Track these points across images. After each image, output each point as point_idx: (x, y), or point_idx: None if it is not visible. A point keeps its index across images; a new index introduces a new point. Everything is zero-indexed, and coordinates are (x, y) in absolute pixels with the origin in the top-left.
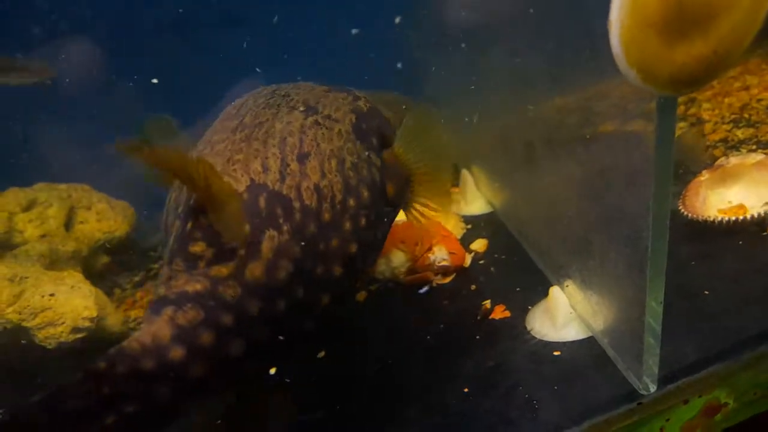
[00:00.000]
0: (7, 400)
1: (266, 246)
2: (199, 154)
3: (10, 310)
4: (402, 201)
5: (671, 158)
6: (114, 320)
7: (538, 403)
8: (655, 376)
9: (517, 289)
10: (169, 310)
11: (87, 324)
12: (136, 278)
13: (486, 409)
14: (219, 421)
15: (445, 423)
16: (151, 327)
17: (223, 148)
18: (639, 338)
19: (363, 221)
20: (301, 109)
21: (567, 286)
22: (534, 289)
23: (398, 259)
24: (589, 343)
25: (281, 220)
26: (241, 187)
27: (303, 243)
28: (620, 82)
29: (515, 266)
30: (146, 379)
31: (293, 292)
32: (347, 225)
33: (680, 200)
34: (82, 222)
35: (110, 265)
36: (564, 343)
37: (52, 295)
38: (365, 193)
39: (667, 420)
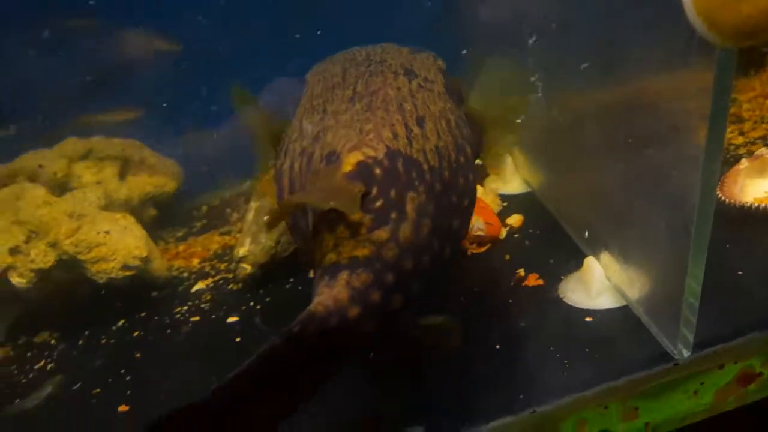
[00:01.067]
0: (56, 327)
1: (410, 207)
2: (322, 123)
3: (68, 242)
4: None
5: (727, 113)
6: (159, 265)
7: (569, 363)
8: (690, 344)
9: (551, 260)
10: (344, 275)
11: (137, 263)
12: (179, 233)
13: (516, 365)
14: None
15: (474, 376)
16: (332, 291)
17: (350, 119)
18: (675, 306)
19: (470, 176)
20: (403, 74)
21: (603, 256)
22: (568, 260)
23: None
24: (622, 311)
25: (416, 182)
26: (380, 155)
27: (434, 201)
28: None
29: (550, 240)
30: (331, 337)
31: (432, 246)
32: (461, 181)
33: (719, 186)
34: (134, 174)
35: (156, 218)
36: (597, 311)
37: (107, 232)
38: (468, 150)
39: (702, 383)
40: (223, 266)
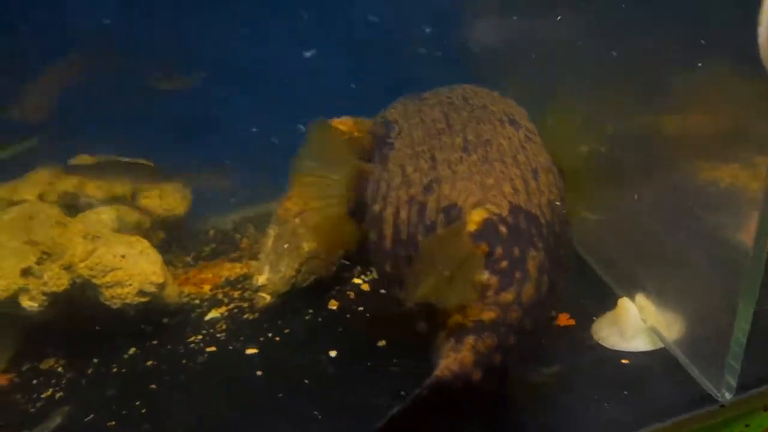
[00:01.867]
0: (62, 354)
1: (531, 265)
2: (435, 173)
3: (82, 265)
4: None
5: None
6: (171, 291)
7: (610, 406)
8: (734, 387)
9: (581, 300)
10: (470, 339)
11: (152, 289)
12: (187, 258)
13: (557, 408)
14: None
15: (513, 415)
16: (458, 355)
17: (468, 170)
18: (719, 348)
19: (568, 226)
20: (508, 122)
21: (638, 298)
22: (598, 300)
23: None
24: (659, 353)
25: (536, 239)
26: (504, 212)
27: (549, 257)
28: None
29: (578, 278)
30: (454, 399)
31: (548, 301)
32: (566, 232)
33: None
34: (146, 196)
35: (164, 242)
36: (632, 353)
37: (123, 256)
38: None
39: (747, 425)
40: (236, 294)
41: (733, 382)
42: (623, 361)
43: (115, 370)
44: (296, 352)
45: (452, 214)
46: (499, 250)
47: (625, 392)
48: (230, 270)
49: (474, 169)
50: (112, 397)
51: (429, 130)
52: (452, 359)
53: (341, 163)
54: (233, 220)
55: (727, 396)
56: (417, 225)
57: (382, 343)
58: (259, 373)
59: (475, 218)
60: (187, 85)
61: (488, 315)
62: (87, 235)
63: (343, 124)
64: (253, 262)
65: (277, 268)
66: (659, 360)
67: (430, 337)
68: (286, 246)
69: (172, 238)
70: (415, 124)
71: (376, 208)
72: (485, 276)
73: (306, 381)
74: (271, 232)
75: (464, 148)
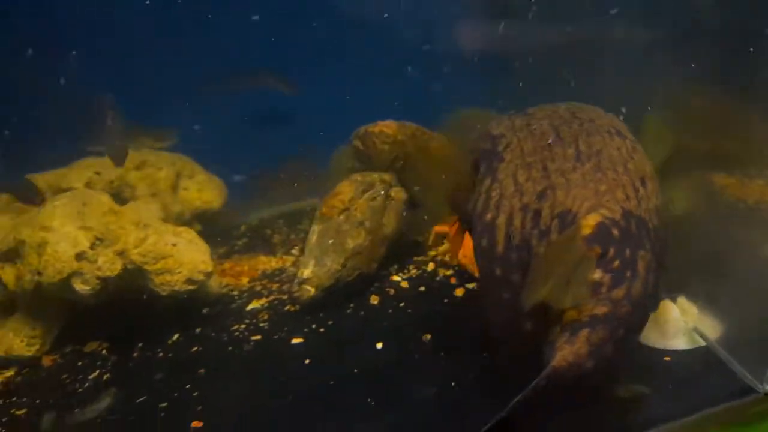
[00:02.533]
0: (105, 338)
1: (640, 265)
2: (548, 181)
3: (135, 251)
4: None
5: None
6: (213, 282)
7: (659, 398)
8: None
9: None
10: (585, 332)
11: (200, 278)
12: (221, 250)
13: (608, 400)
14: None
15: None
16: (573, 347)
17: (581, 178)
18: (761, 346)
19: (667, 230)
20: (615, 134)
21: (680, 300)
22: None
23: None
24: (700, 351)
25: (644, 241)
26: (617, 216)
27: (655, 258)
28: None
29: None
30: (568, 388)
31: (652, 299)
32: (666, 236)
33: None
34: (185, 189)
35: (201, 234)
36: (674, 351)
37: (174, 244)
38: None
39: None
40: (274, 287)
41: None
42: (665, 359)
43: (160, 354)
44: (342, 343)
45: (567, 219)
46: (612, 251)
47: (670, 386)
48: (266, 263)
49: (587, 177)
50: (161, 380)
51: (539, 142)
52: (568, 351)
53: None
54: (259, 217)
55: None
56: (531, 231)
57: (427, 337)
58: (307, 361)
59: (589, 222)
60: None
61: (601, 309)
62: (139, 223)
63: (387, 127)
64: (290, 257)
65: (323, 262)
66: (700, 357)
67: (542, 335)
68: (330, 242)
69: (208, 231)
70: (524, 137)
71: (488, 216)
72: (598, 274)
73: (355, 370)
74: (316, 228)
75: (577, 158)
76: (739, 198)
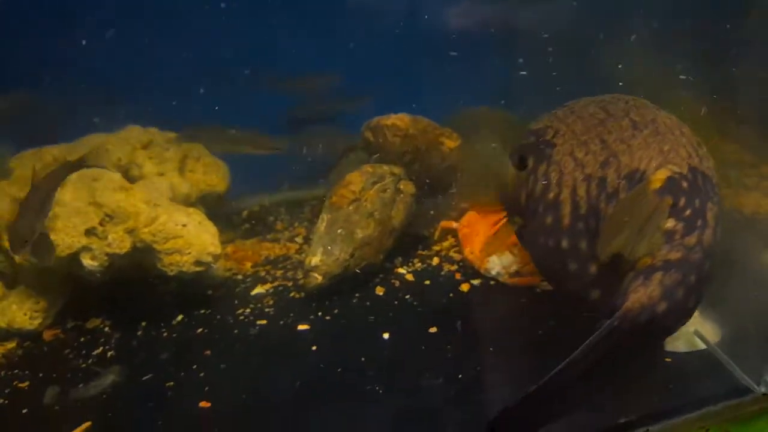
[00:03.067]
0: (107, 315)
1: (709, 215)
2: (608, 151)
3: (146, 230)
4: None
5: None
6: (220, 265)
7: (660, 396)
8: None
9: None
10: (658, 275)
11: (209, 260)
12: (224, 235)
13: (611, 395)
14: None
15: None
16: (647, 290)
17: (643, 142)
18: (760, 350)
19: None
20: (658, 108)
21: None
22: None
23: (507, 259)
24: (699, 354)
25: (711, 194)
26: (684, 170)
27: (721, 211)
28: None
29: None
30: (641, 330)
31: (717, 249)
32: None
33: None
34: (191, 170)
35: None
36: (674, 353)
37: (184, 225)
38: None
39: None
40: (278, 273)
41: None
42: (667, 360)
43: (165, 334)
44: (348, 331)
45: (635, 178)
46: (683, 201)
47: (671, 386)
48: (269, 250)
49: (649, 140)
50: (166, 360)
51: (590, 121)
52: (642, 293)
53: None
54: (260, 204)
55: (764, 390)
56: (598, 196)
57: (433, 329)
58: (314, 348)
59: (659, 177)
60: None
61: (675, 255)
62: (149, 201)
63: (400, 120)
64: (293, 244)
65: (331, 251)
66: (700, 360)
67: (614, 287)
68: (340, 231)
69: (211, 215)
70: (572, 121)
71: (551, 195)
72: (672, 223)
73: (362, 359)
74: (325, 216)
75: (634, 127)
76: (736, 207)
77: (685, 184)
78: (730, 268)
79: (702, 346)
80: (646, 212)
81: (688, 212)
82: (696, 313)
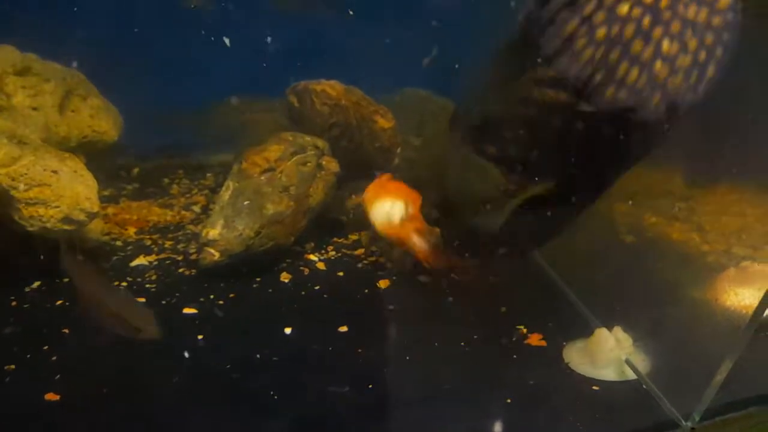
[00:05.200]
0: None
1: None
2: None
3: (3, 171)
4: None
5: None
6: (95, 225)
7: (584, 427)
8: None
9: (550, 323)
10: None
11: (82, 217)
12: (107, 192)
13: (533, 425)
14: None
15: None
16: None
17: None
18: (693, 384)
19: None
20: None
21: (616, 330)
22: (570, 326)
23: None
24: (629, 384)
25: None
26: None
27: None
28: None
29: (550, 302)
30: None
31: None
32: None
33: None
34: (73, 111)
35: None
36: (603, 381)
37: (54, 171)
38: None
39: None
40: (167, 244)
41: (700, 413)
42: (594, 388)
43: (14, 304)
44: (244, 321)
45: None
46: None
47: (597, 415)
48: (159, 216)
49: None
50: (12, 336)
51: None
52: None
53: None
54: (159, 163)
55: (692, 425)
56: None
57: (343, 328)
58: (200, 337)
59: None
60: None
61: None
62: (13, 137)
63: (332, 88)
64: (189, 213)
65: (233, 225)
66: (629, 390)
67: None
68: (246, 203)
69: (92, 167)
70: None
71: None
72: None
73: (258, 356)
74: (230, 184)
75: None
76: (665, 239)
77: None
78: (665, 299)
79: (633, 375)
80: None
81: None
82: (629, 343)
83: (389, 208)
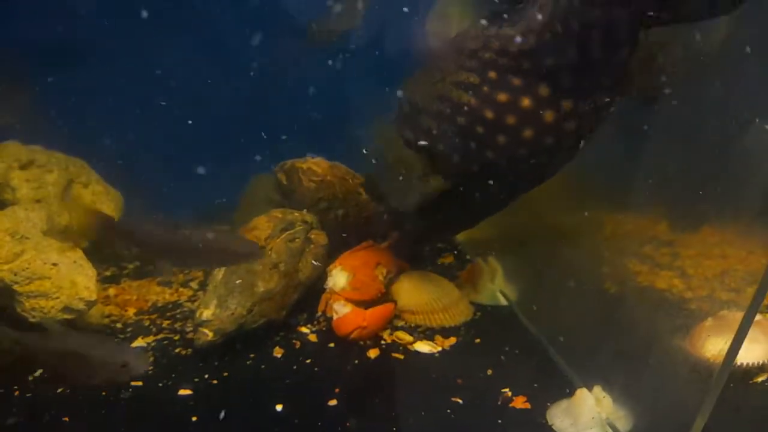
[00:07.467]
0: None
1: None
2: None
3: (6, 267)
4: None
5: None
6: (95, 311)
7: None
8: None
9: (536, 384)
10: None
11: (80, 306)
12: (108, 272)
13: None
14: None
15: None
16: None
17: None
18: None
19: None
20: None
21: (596, 389)
22: (553, 387)
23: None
24: None
25: None
26: None
27: None
28: None
29: (533, 362)
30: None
31: None
32: None
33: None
34: (77, 197)
35: (86, 252)
36: None
37: (54, 264)
38: None
39: None
40: (165, 324)
41: None
42: None
43: (16, 393)
44: (237, 400)
45: None
46: None
47: None
48: (158, 295)
49: None
50: (13, 427)
51: None
52: None
53: None
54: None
55: None
56: None
57: (332, 402)
58: (194, 419)
59: None
60: None
61: None
62: (15, 234)
63: (317, 165)
64: (187, 290)
65: (226, 304)
66: None
67: None
68: (238, 282)
69: (94, 248)
70: None
71: None
72: None
73: None
74: None
75: None
76: (649, 286)
77: None
78: (644, 352)
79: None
80: None
81: None
82: (609, 401)
83: (334, 275)
